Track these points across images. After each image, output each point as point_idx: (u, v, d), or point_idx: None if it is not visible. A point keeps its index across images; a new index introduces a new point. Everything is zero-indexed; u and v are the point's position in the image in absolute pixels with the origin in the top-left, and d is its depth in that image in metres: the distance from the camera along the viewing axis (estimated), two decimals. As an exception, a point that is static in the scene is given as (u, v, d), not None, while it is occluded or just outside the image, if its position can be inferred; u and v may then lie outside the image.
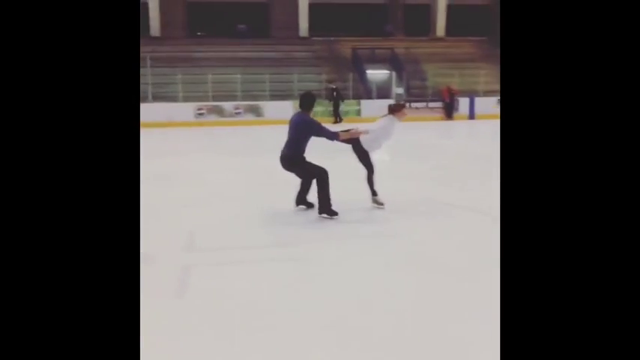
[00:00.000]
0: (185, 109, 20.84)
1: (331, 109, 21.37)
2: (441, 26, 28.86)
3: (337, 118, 20.98)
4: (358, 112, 22.54)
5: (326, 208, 5.85)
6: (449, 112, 22.64)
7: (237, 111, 21.51)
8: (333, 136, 6.04)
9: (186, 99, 21.52)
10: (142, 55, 22.24)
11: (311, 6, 27.62)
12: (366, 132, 6.22)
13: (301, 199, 6.31)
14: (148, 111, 20.19)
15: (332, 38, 27.22)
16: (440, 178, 8.44)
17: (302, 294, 3.79)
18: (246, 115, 21.57)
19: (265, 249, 4.90)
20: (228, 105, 21.53)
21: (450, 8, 28.31)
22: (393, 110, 6.45)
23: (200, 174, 8.92)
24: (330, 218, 5.80)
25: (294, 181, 8.38)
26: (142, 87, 21.14)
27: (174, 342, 3.10)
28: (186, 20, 29.16)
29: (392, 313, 3.43)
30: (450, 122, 21.80)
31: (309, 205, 6.29)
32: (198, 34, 29.16)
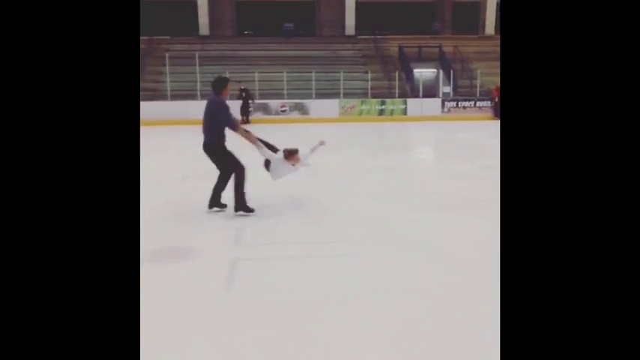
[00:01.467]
0: (232, 107, 21.06)
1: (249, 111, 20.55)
2: (490, 24, 28.34)
3: (245, 118, 19.91)
4: (404, 111, 22.35)
5: (242, 206, 5.88)
6: (498, 111, 22.20)
7: (283, 109, 21.65)
8: (233, 125, 5.94)
9: (233, 97, 21.77)
10: (190, 53, 22.70)
11: (358, 4, 27.55)
12: (260, 146, 6.09)
13: (215, 201, 6.07)
14: (196, 108, 20.54)
15: (379, 36, 27.06)
16: (485, 177, 8.26)
17: (350, 289, 3.76)
18: (292, 113, 21.68)
19: (314, 245, 4.90)
20: (274, 103, 21.70)
21: (499, 5, 27.75)
22: (287, 156, 6.24)
23: (247, 171, 8.98)
24: (247, 215, 5.84)
25: (342, 179, 8.37)
26: (190, 85, 21.54)
27: (221, 334, 3.12)
28: (235, 19, 29.53)
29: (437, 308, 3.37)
30: (498, 122, 21.36)
31: (223, 207, 6.08)
32: (246, 32, 29.47)
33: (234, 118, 6.05)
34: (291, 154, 6.21)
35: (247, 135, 6.00)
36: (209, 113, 5.88)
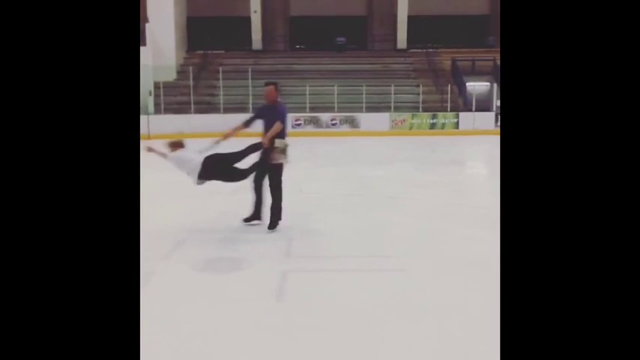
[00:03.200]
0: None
1: None
2: (546, 37, 27.68)
3: None
4: (456, 125, 22.07)
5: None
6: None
7: (334, 122, 21.76)
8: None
9: (284, 110, 22.03)
10: (243, 67, 23.15)
11: (410, 18, 27.46)
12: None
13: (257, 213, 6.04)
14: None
15: (431, 50, 26.89)
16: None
17: (396, 305, 3.74)
18: (342, 126, 21.77)
19: (362, 259, 4.89)
20: (324, 116, 21.83)
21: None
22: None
23: (298, 183, 9.08)
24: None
25: (392, 193, 8.34)
26: (243, 98, 21.94)
27: (267, 344, 3.16)
28: (287, 34, 29.96)
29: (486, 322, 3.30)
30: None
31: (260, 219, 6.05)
32: (298, 47, 29.84)
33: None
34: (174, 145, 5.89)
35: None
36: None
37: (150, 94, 21.21)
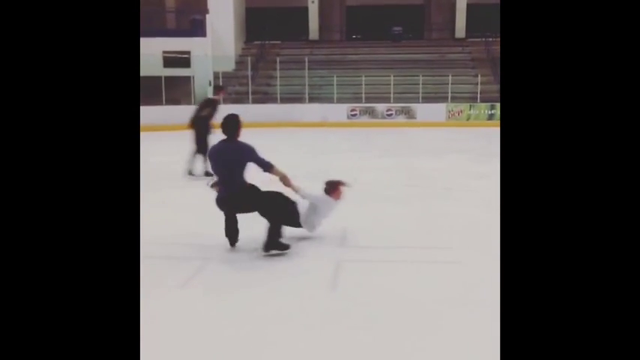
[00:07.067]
0: (339, 110, 21.45)
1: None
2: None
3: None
4: (515, 116, 21.54)
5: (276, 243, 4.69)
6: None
7: (389, 113, 21.66)
8: (267, 166, 4.81)
9: (340, 100, 22.12)
10: (300, 57, 23.33)
11: (469, 6, 26.90)
12: (298, 188, 5.06)
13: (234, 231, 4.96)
14: (303, 111, 21.13)
15: (490, 39, 26.28)
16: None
17: (451, 298, 3.77)
18: (398, 117, 21.65)
19: (417, 250, 4.93)
20: (380, 107, 21.77)
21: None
22: (329, 190, 5.22)
23: (352, 173, 9.15)
24: (281, 253, 4.67)
25: (448, 184, 8.29)
26: (299, 88, 22.14)
27: (321, 332, 3.26)
28: (344, 24, 29.94)
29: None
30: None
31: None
32: (354, 37, 29.77)
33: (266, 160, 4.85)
34: (333, 188, 5.27)
35: (282, 175, 4.94)
36: (229, 162, 4.74)
37: (210, 84, 21.71)
